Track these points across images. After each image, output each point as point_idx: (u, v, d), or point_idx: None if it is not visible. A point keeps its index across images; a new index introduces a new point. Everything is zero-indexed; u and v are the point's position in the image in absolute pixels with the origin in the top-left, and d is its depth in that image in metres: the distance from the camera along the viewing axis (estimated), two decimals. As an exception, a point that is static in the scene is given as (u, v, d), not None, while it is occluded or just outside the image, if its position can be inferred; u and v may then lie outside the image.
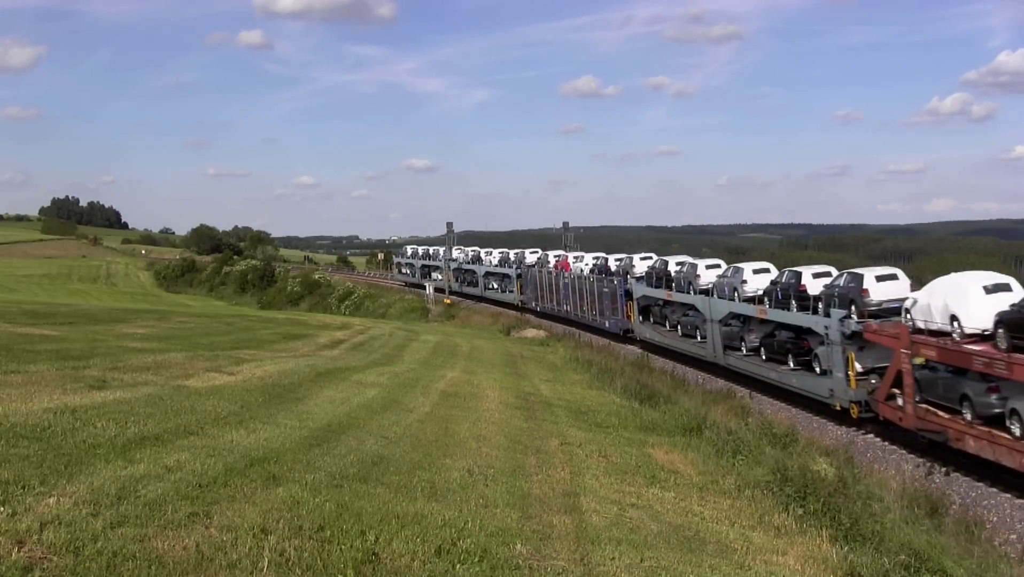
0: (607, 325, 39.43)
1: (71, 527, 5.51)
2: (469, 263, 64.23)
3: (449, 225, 66.97)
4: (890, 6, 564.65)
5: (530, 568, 6.47)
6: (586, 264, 45.32)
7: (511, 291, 54.96)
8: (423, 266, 73.41)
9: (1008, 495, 16.12)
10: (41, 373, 11.76)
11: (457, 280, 65.65)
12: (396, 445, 10.32)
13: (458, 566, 6.12)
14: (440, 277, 68.10)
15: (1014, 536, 13.95)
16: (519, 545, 6.91)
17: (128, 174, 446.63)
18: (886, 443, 20.29)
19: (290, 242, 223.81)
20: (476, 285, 61.58)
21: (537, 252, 55.39)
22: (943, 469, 17.48)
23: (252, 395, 12.23)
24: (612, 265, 42.00)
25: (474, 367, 22.52)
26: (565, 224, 60.28)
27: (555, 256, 50.62)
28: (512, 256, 57.28)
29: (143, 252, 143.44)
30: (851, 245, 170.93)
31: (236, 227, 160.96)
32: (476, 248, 66.76)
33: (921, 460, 18.26)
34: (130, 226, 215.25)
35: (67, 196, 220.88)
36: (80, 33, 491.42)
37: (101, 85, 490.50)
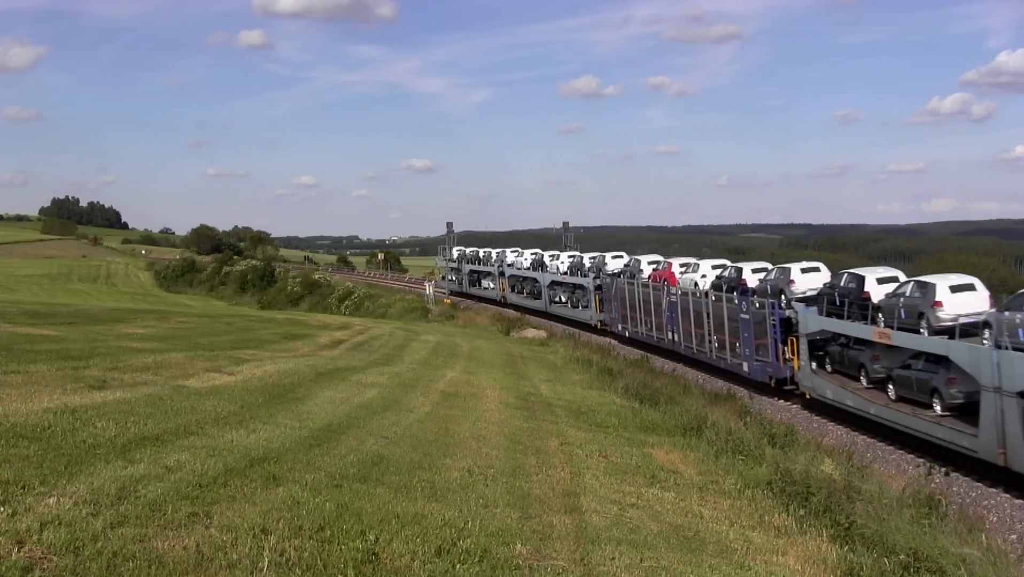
0: (746, 368, 26.75)
1: (71, 527, 5.51)
2: (529, 269, 52.86)
3: (449, 225, 67.07)
4: (890, 6, 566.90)
5: (530, 568, 6.47)
6: (702, 275, 32.41)
7: (586, 307, 43.50)
8: (472, 272, 62.50)
9: (1008, 495, 16.12)
10: (41, 373, 11.76)
11: (513, 289, 54.69)
12: (396, 445, 10.32)
13: (458, 566, 6.12)
14: (492, 285, 58.88)
15: (1014, 536, 13.95)
16: (519, 545, 6.91)
17: (128, 174, 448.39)
18: (886, 443, 20.28)
19: (290, 242, 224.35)
20: (538, 297, 50.29)
21: (622, 256, 43.37)
22: (943, 469, 17.47)
23: (252, 395, 12.23)
24: (750, 279, 28.37)
25: (474, 367, 22.52)
26: (565, 224, 60.20)
27: (651, 263, 38.03)
28: (587, 261, 45.25)
29: (143, 252, 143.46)
30: (851, 245, 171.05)
31: (236, 227, 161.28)
32: (538, 251, 55.26)
33: (921, 460, 18.25)
34: (130, 226, 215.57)
35: (67, 196, 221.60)
36: (80, 33, 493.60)
37: (101, 85, 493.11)
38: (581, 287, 44.38)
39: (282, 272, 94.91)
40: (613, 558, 7.16)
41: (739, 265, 30.65)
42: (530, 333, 39.24)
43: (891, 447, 20.00)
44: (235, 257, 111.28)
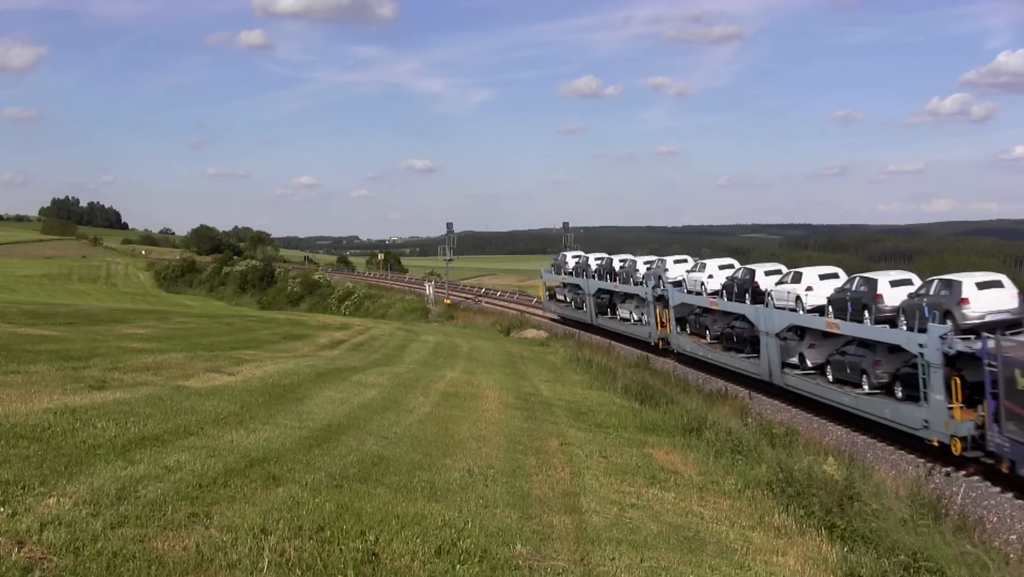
0: None
1: (71, 527, 5.51)
2: (722, 295, 28.59)
3: (449, 225, 66.94)
4: (890, 6, 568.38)
5: (530, 568, 6.46)
6: None
7: (902, 392, 19.77)
8: (601, 292, 40.74)
9: (1008, 495, 16.12)
10: (41, 373, 11.76)
11: (684, 328, 32.13)
12: (396, 445, 10.32)
13: (458, 566, 6.12)
14: (638, 317, 36.67)
15: (1014, 536, 13.94)
16: (519, 545, 6.91)
17: (128, 174, 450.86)
18: (886, 443, 20.27)
19: (290, 242, 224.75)
20: (746, 349, 27.22)
21: (1002, 283, 18.58)
22: (943, 469, 17.47)
23: (252, 395, 12.23)
24: None
25: (474, 367, 22.52)
26: (565, 224, 60.31)
27: None
28: (888, 295, 20.54)
29: (143, 252, 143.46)
30: (851, 245, 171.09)
31: (236, 227, 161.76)
32: (732, 261, 30.76)
33: (921, 460, 18.26)
34: (130, 226, 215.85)
35: (67, 196, 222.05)
36: (80, 33, 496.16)
37: (101, 85, 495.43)
38: (886, 349, 20.70)
39: (282, 272, 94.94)
40: (613, 558, 7.16)
41: None
42: (530, 333, 39.23)
43: (891, 447, 20.00)
44: (235, 257, 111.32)
